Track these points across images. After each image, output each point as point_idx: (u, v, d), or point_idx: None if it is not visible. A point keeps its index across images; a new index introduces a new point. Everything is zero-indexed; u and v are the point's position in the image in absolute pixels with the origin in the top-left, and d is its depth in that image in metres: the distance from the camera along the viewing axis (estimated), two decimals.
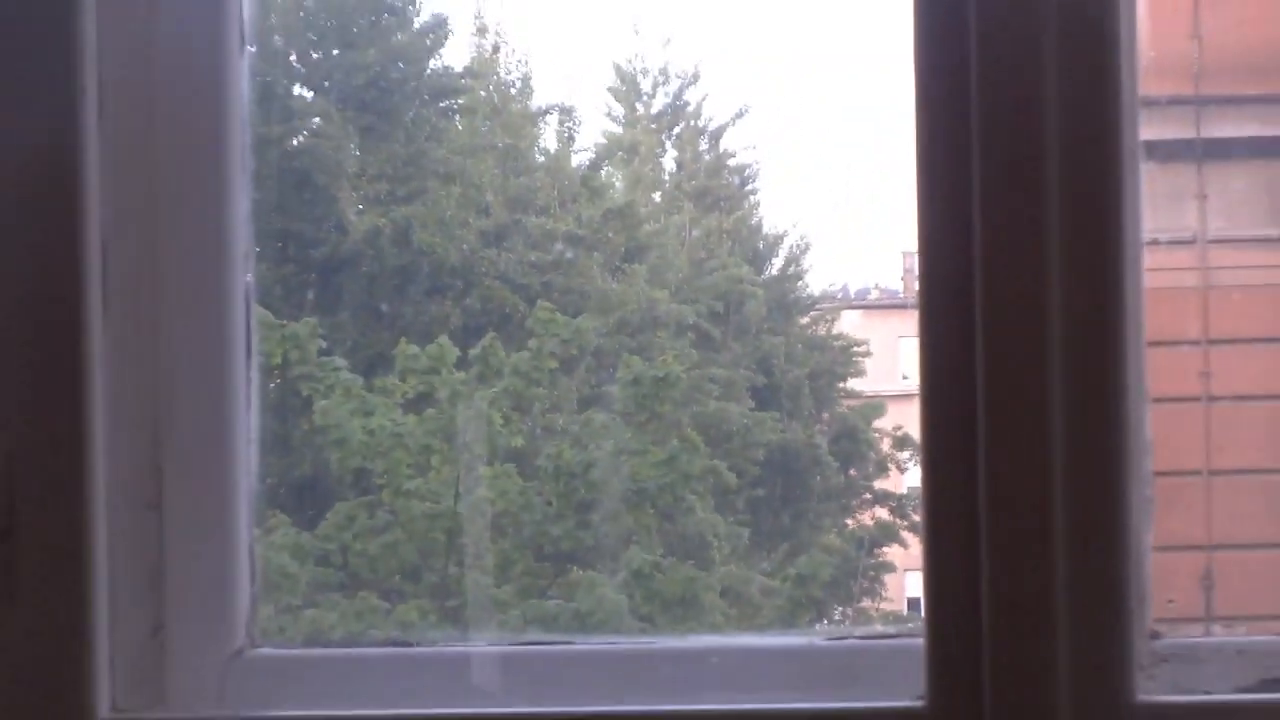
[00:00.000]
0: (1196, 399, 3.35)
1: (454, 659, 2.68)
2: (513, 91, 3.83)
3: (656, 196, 3.83)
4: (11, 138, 2.51)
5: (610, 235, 3.68)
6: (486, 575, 3.34)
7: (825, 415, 3.69)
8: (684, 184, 3.85)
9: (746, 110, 3.79)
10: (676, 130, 3.81)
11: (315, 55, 3.80)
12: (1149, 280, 2.46)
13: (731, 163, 3.78)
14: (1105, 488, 2.37)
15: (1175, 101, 3.40)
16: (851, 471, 3.73)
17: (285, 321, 3.26)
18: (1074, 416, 2.38)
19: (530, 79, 3.81)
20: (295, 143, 3.69)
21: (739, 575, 3.50)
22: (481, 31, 3.79)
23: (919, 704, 2.41)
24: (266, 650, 2.61)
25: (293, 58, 3.80)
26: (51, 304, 2.51)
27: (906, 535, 3.57)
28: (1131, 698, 2.36)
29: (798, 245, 3.75)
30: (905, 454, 3.70)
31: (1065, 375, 2.39)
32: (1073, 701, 2.35)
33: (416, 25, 3.80)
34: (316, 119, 3.76)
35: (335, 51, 3.79)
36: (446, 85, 3.89)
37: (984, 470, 2.39)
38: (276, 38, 3.78)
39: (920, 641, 2.42)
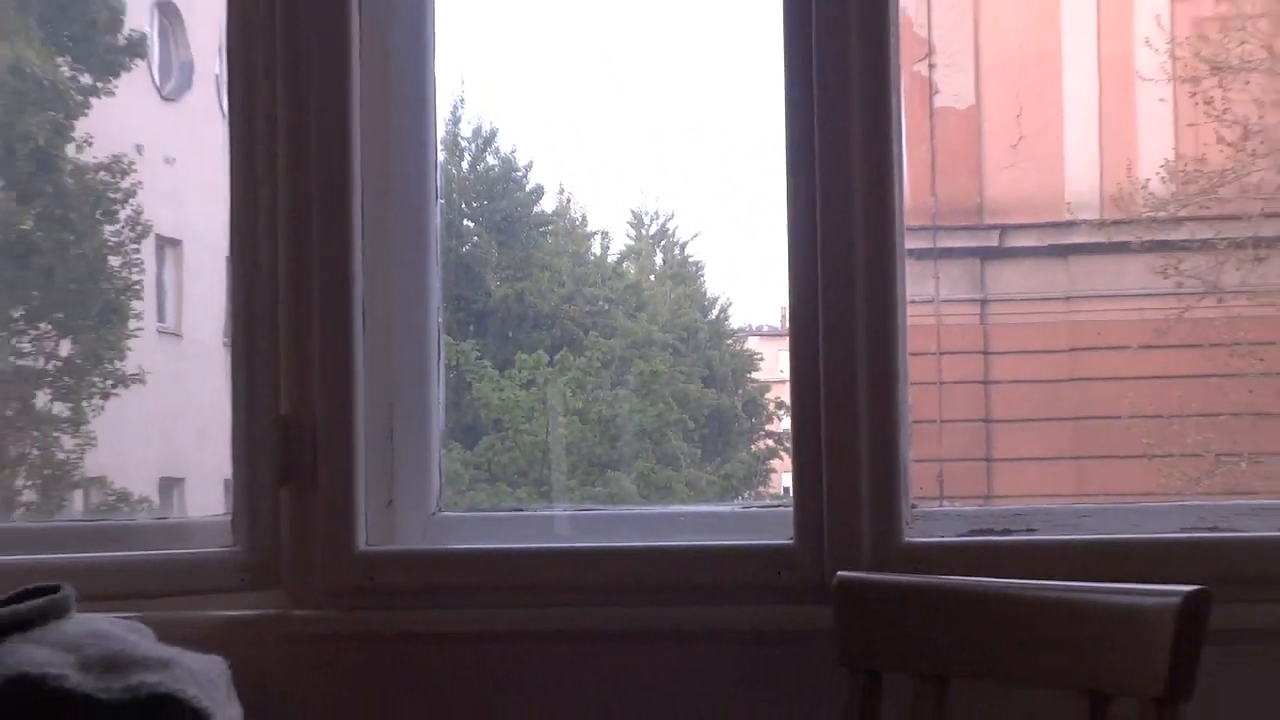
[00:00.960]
0: (934, 383, 3.34)
1: (545, 519, 2.66)
2: (577, 222, 3.85)
3: (652, 277, 3.85)
4: (320, 246, 2.51)
5: (628, 297, 3.72)
6: (562, 474, 3.36)
7: (740, 391, 3.71)
8: (666, 271, 3.87)
9: (699, 233, 3.80)
10: (662, 242, 3.82)
11: (475, 204, 3.82)
12: (911, 321, 2.44)
13: (690, 260, 3.79)
14: (886, 427, 2.36)
15: (923, 228, 3.40)
16: (753, 420, 3.74)
17: (459, 342, 3.28)
18: (870, 390, 2.36)
19: (586, 215, 3.84)
20: (464, 250, 3.71)
21: (695, 476, 3.51)
22: (561, 192, 3.81)
23: (790, 542, 2.38)
24: (447, 513, 2.60)
25: (462, 205, 3.81)
26: (336, 332, 2.50)
27: (784, 454, 3.57)
28: (901, 540, 2.35)
29: (725, 302, 3.77)
30: (782, 411, 3.69)
31: (868, 370, 2.37)
32: (870, 541, 2.34)
33: (528, 188, 3.82)
34: (475, 237, 3.77)
35: (485, 202, 3.81)
36: (543, 220, 3.91)
37: (824, 421, 2.37)
38: (455, 195, 3.79)
39: (790, 510, 2.40)
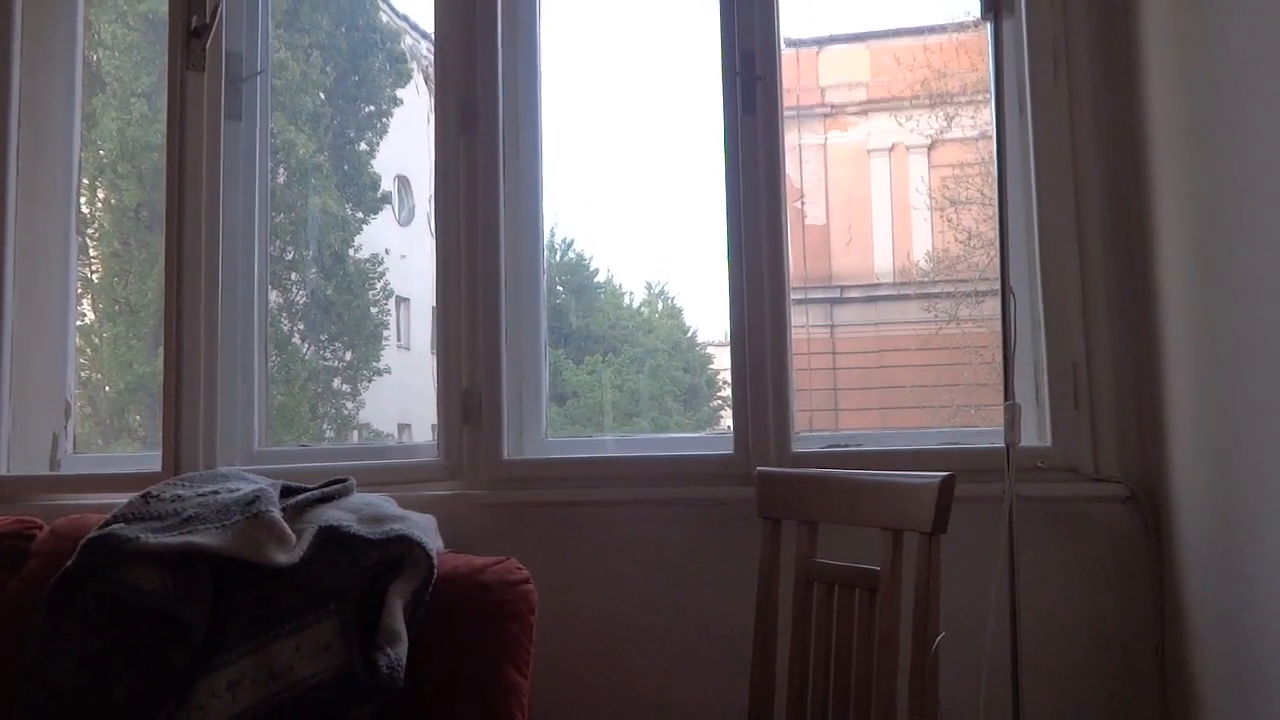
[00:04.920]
0: (806, 369, 3.36)
1: (601, 442, 2.62)
2: (617, 287, 3.82)
3: (656, 315, 3.84)
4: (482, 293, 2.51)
5: (643, 325, 3.70)
6: (610, 420, 3.36)
7: (703, 374, 3.70)
8: (664, 311, 3.86)
9: (682, 291, 3.81)
10: (661, 295, 3.83)
11: (561, 278, 3.77)
12: (794, 334, 2.41)
13: (676, 303, 3.81)
14: (782, 392, 2.32)
15: (799, 287, 3.43)
16: (711, 390, 3.75)
17: (555, 349, 3.29)
18: (775, 372, 2.32)
19: (622, 283, 3.81)
20: (558, 301, 3.67)
21: (681, 420, 3.52)
22: (608, 269, 3.80)
23: (731, 452, 2.37)
24: (550, 439, 2.58)
25: (556, 280, 3.77)
26: (491, 341, 2.43)
27: (728, 408, 3.59)
28: (790, 450, 2.33)
29: (695, 326, 3.79)
30: (726, 385, 3.72)
31: (771, 360, 2.34)
32: (775, 452, 2.33)
33: (591, 269, 3.77)
34: (562, 293, 3.73)
35: (567, 276, 3.75)
36: (597, 285, 3.85)
37: (749, 388, 2.33)
38: (553, 274, 3.77)
39: (731, 436, 2.39)
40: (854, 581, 1.93)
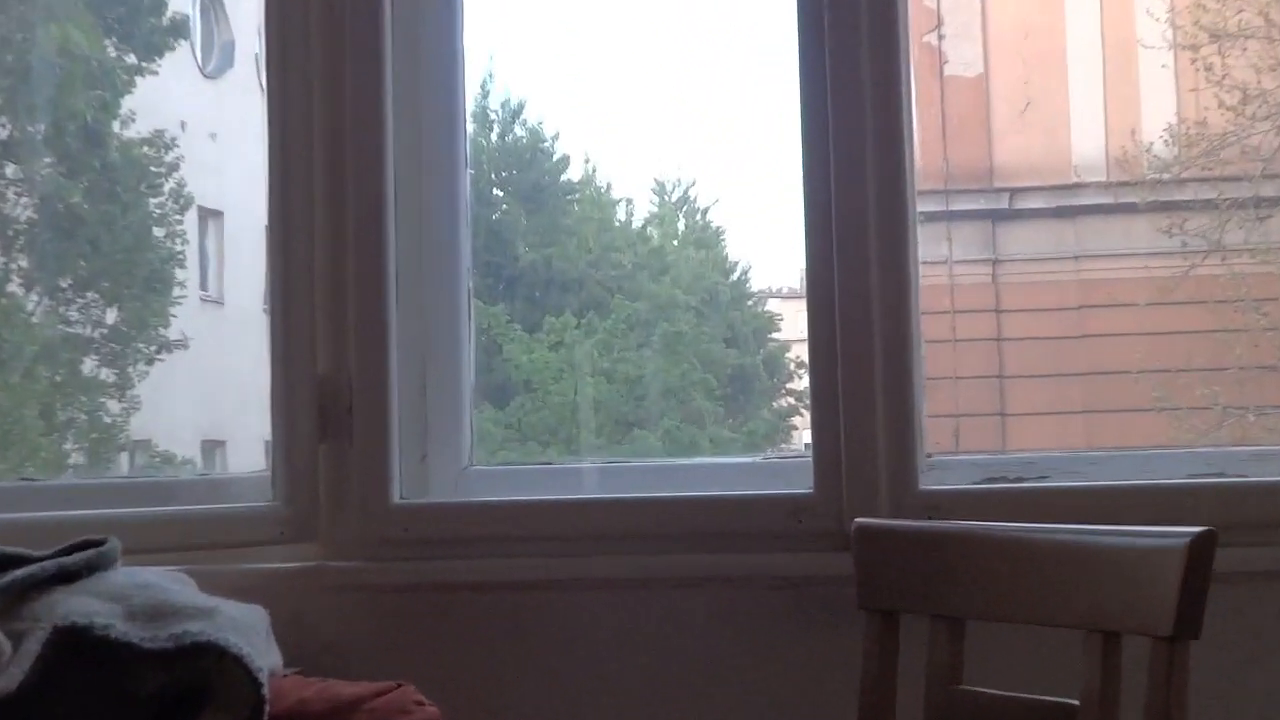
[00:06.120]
0: (948, 341, 3.34)
1: (574, 472, 2.69)
2: (602, 190, 3.85)
3: (675, 243, 3.84)
4: (354, 214, 2.52)
5: (651, 262, 3.71)
6: (590, 433, 3.36)
7: (761, 351, 3.70)
8: (689, 236, 3.86)
9: (719, 199, 3.79)
10: (684, 209, 3.82)
11: (504, 173, 3.82)
12: (925, 281, 2.44)
13: (713, 224, 3.79)
14: (901, 383, 2.37)
15: (935, 191, 3.39)
16: (774, 379, 3.74)
17: (488, 305, 3.29)
18: (885, 348, 2.38)
19: (611, 184, 3.83)
20: (494, 217, 3.71)
21: (719, 433, 3.51)
22: (586, 161, 3.80)
23: (810, 492, 2.40)
24: (478, 468, 2.62)
25: (493, 175, 3.81)
26: (370, 297, 2.51)
27: (803, 411, 3.57)
28: (916, 488, 2.36)
29: (745, 266, 3.77)
30: (802, 370, 3.69)
31: (881, 328, 2.38)
32: (887, 490, 2.36)
33: (555, 158, 3.81)
34: (504, 205, 3.77)
35: (514, 171, 3.81)
36: (569, 188, 3.91)
37: (841, 379, 2.38)
38: (485, 165, 3.80)
39: (810, 460, 2.42)
40: None
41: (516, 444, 3.29)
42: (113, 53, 3.18)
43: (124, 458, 3.17)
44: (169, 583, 2.11)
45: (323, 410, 2.51)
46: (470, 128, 2.67)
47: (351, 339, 2.52)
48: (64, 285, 3.06)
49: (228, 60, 3.47)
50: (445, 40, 2.64)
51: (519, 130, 3.74)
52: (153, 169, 3.18)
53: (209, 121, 3.38)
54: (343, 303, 2.52)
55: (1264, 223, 2.92)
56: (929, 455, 2.42)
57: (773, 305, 3.82)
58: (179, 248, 3.27)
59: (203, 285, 3.38)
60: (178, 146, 3.23)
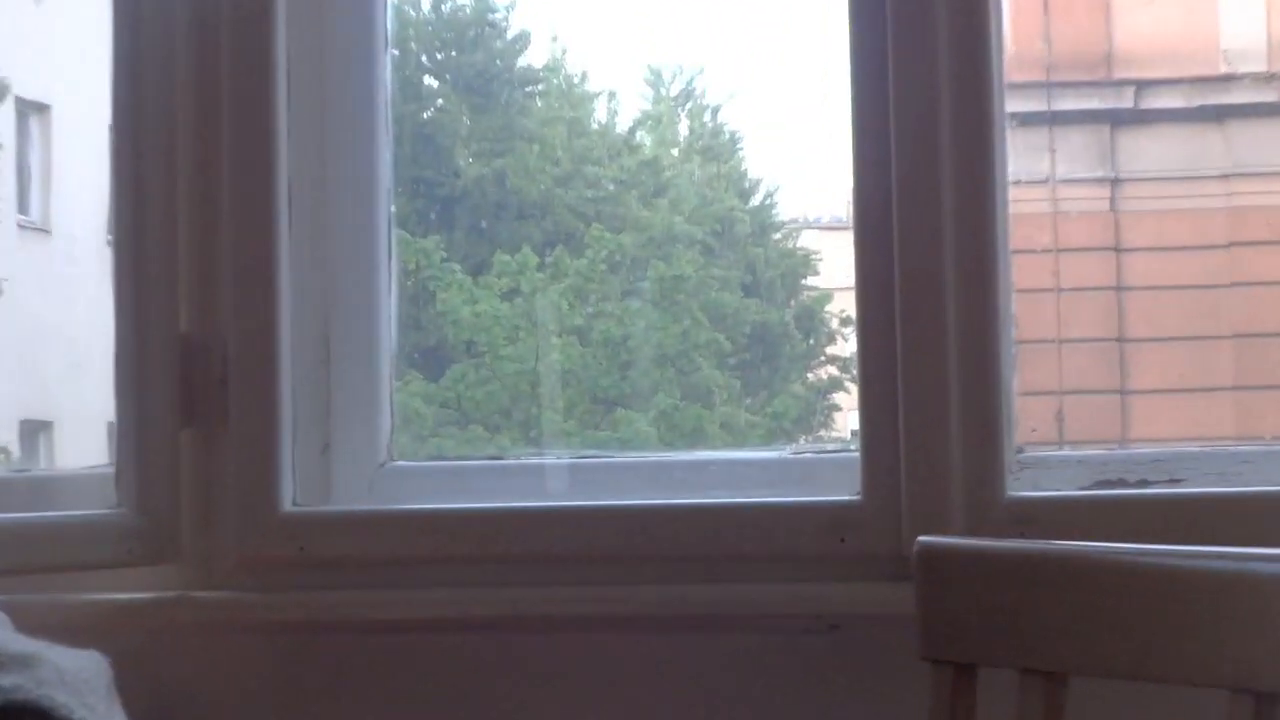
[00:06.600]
0: (1049, 290, 3.34)
1: (534, 469, 2.69)
2: (575, 80, 3.85)
3: (675, 152, 3.84)
4: (229, 107, 2.51)
5: (642, 179, 3.72)
6: (557, 414, 3.37)
7: (792, 302, 3.70)
8: (694, 143, 3.86)
9: (737, 93, 3.78)
10: (688, 106, 3.82)
11: (439, 56, 3.82)
12: (1015, 209, 2.45)
13: (726, 129, 3.79)
14: (983, 350, 2.37)
15: (1032, 84, 3.39)
16: (810, 341, 3.73)
17: (417, 239, 3.29)
18: (962, 300, 2.38)
19: (587, 73, 3.83)
20: (425, 116, 3.71)
21: (732, 413, 3.51)
22: (554, 39, 3.80)
23: (856, 498, 2.41)
24: (401, 463, 2.63)
25: (424, 58, 3.82)
26: (255, 225, 2.51)
27: (849, 385, 3.57)
28: (1003, 494, 2.36)
29: (771, 185, 3.76)
30: (848, 329, 3.69)
31: (956, 273, 2.38)
32: (963, 496, 2.36)
33: (510, 36, 3.82)
34: (440, 99, 3.78)
35: (453, 53, 3.82)
36: (530, 77, 3.91)
37: (900, 339, 2.39)
38: (413, 44, 3.80)
39: (857, 455, 2.43)
40: None
41: (455, 430, 3.29)
42: None
43: None
44: None
45: (186, 382, 2.52)
46: None
47: (226, 285, 2.53)
48: None
49: None
50: None
51: None
52: None
53: None
54: (214, 234, 2.53)
55: None
56: (1021, 449, 2.43)
57: (808, 240, 3.82)
58: None
59: (21, 208, 3.37)
60: None
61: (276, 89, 2.53)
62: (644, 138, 3.85)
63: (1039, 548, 2.16)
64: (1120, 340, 3.30)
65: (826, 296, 3.80)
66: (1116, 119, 3.41)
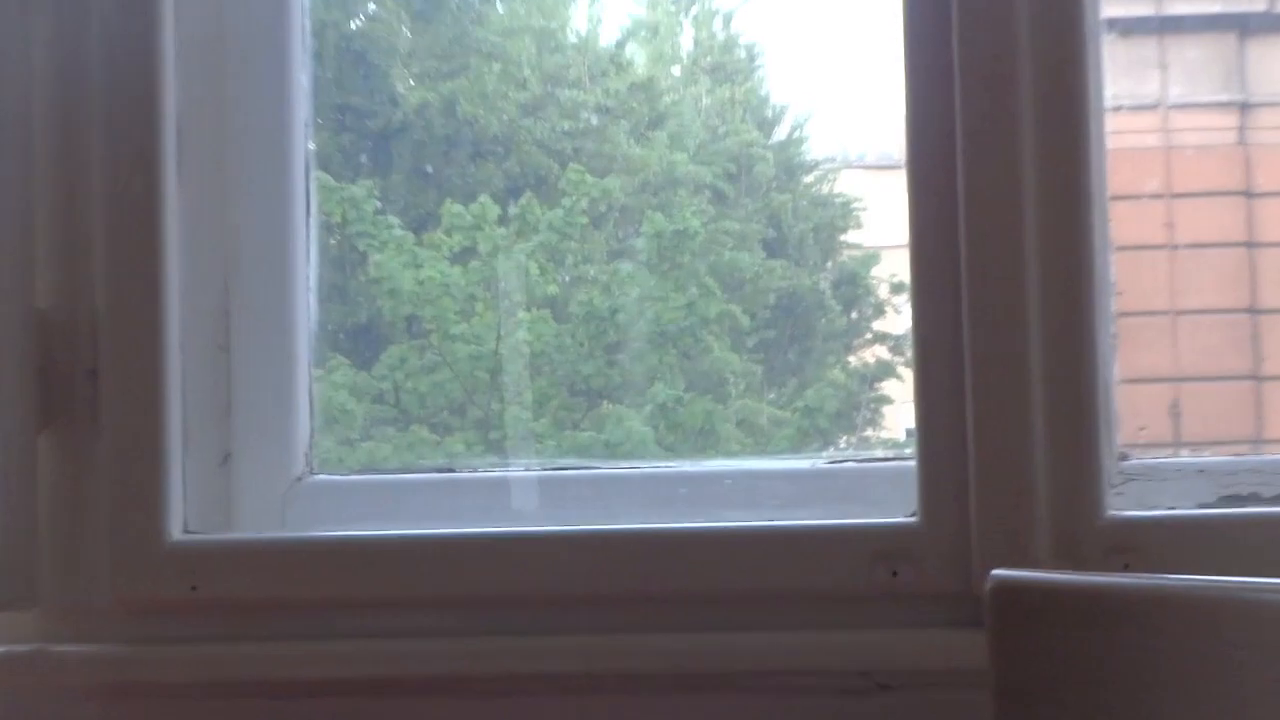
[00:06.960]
0: (1161, 247, 3.33)
1: (496, 483, 2.68)
2: None
3: (675, 71, 3.83)
4: (97, 21, 2.51)
5: (634, 105, 3.70)
6: (525, 410, 3.36)
7: (828, 264, 3.69)
8: (700, 60, 3.86)
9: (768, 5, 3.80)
10: (693, 12, 3.82)
11: None
12: (1115, 141, 2.45)
13: (742, 40, 3.78)
14: (1074, 325, 2.39)
15: None
16: (853, 314, 3.72)
17: (343, 184, 3.28)
18: (1046, 261, 2.40)
19: None
20: (353, 25, 3.70)
21: (752, 407, 3.51)
22: None
23: (912, 520, 2.42)
24: (324, 477, 2.64)
25: None
26: (132, 169, 2.51)
27: (903, 371, 3.57)
28: (1102, 513, 2.37)
29: (800, 115, 3.75)
30: (900, 298, 3.70)
31: (1038, 225, 2.40)
32: (1049, 517, 2.37)
33: None
34: (371, 4, 3.77)
35: None
36: None
37: (967, 310, 2.40)
38: None
39: (913, 464, 2.44)
40: None
41: (393, 432, 3.28)
42: None
43: None
44: None
45: (46, 374, 2.53)
46: None
47: (97, 249, 2.54)
48: None
49: None
50: None
51: None
52: None
53: None
54: (80, 180, 2.54)
55: None
56: (1124, 455, 2.45)
57: (848, 184, 3.81)
58: None
59: None
60: None
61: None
62: (636, 53, 3.84)
63: (1148, 584, 2.12)
64: (1253, 311, 3.29)
65: (873, 257, 3.79)
66: (1246, 25, 3.40)
